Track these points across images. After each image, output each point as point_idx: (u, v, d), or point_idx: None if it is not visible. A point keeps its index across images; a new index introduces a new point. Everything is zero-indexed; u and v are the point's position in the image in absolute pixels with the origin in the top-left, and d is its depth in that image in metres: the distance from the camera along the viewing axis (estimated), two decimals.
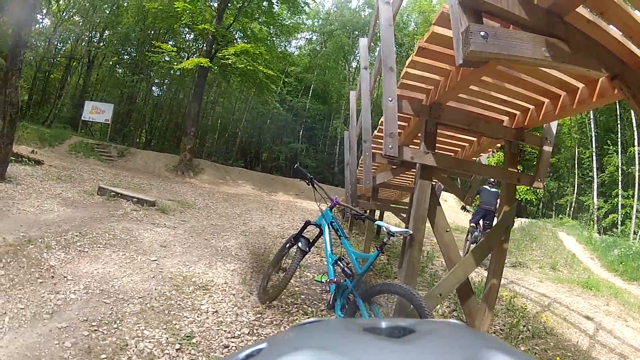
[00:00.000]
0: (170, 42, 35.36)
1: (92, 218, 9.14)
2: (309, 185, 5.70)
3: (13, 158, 12.91)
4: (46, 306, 4.98)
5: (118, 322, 4.85)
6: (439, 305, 6.62)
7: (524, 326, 6.86)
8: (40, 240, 6.80)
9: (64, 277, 5.88)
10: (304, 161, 37.67)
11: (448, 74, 4.46)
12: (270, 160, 42.00)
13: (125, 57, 40.67)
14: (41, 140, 25.26)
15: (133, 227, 8.80)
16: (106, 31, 39.75)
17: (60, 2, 37.15)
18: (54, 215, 8.99)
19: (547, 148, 5.45)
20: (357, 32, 39.32)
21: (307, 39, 45.85)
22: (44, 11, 35.88)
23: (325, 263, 5.31)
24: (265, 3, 27.58)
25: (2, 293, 5.04)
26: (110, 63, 41.08)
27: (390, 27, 5.16)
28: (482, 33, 2.54)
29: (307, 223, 5.75)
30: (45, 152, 21.89)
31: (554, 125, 5.46)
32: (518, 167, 5.50)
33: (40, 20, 36.19)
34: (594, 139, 29.39)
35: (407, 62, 4.87)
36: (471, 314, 5.09)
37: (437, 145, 5.14)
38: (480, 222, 12.46)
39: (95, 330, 4.58)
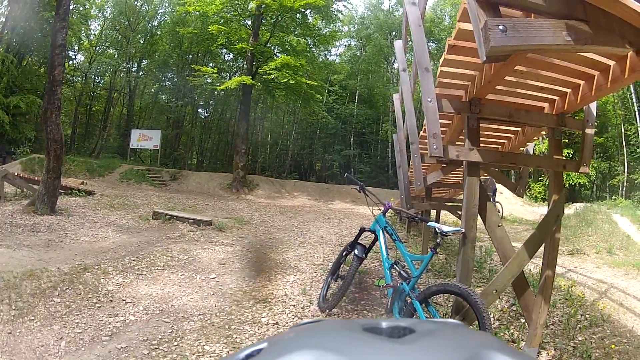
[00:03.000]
0: (210, 64, 35.56)
1: (149, 242, 9.34)
2: (360, 192, 5.75)
3: (62, 191, 13.33)
4: (105, 329, 5.13)
5: (178, 339, 4.96)
6: (497, 301, 6.53)
7: (581, 315, 6.68)
8: (96, 267, 6.97)
9: (123, 300, 6.04)
10: (358, 167, 37.43)
11: (482, 68, 4.40)
12: (324, 169, 41.86)
13: (166, 83, 41.38)
14: (90, 172, 26.04)
15: (191, 248, 8.92)
16: (143, 60, 40.60)
17: (91, 38, 38.15)
18: (109, 242, 9.24)
19: (590, 131, 5.29)
20: (393, 33, 38.78)
21: (345, 45, 45.56)
22: (76, 47, 36.83)
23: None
24: (298, 15, 27.57)
25: (58, 320, 5.21)
26: (152, 90, 41.87)
27: (419, 28, 5.14)
28: (500, 27, 2.51)
29: (362, 230, 5.81)
30: (95, 182, 22.54)
31: (593, 106, 5.30)
32: (568, 152, 5.39)
33: (73, 57, 37.19)
34: (636, 113, 28.13)
35: (441, 61, 4.85)
36: (528, 308, 4.99)
37: (482, 139, 5.10)
38: None
39: (156, 348, 4.69)
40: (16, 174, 14.66)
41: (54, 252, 8.07)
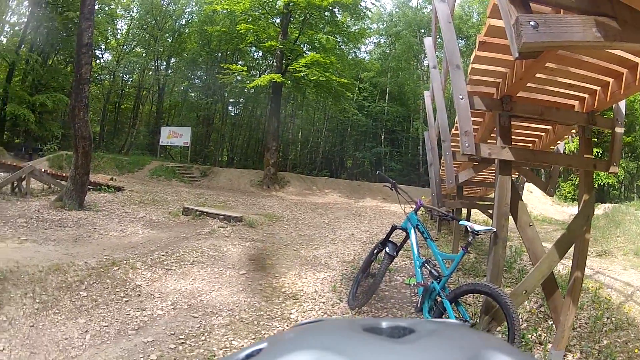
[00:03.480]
0: (240, 62, 35.91)
1: (179, 238, 9.43)
2: (392, 190, 5.73)
3: (91, 187, 13.57)
4: (131, 323, 5.18)
5: (206, 334, 4.99)
6: (526, 302, 6.45)
7: (607, 318, 6.56)
8: (125, 262, 7.06)
9: (151, 294, 6.10)
10: (389, 164, 37.27)
11: (513, 65, 4.35)
12: (355, 167, 41.83)
13: (196, 81, 41.76)
14: (119, 168, 26.49)
15: (221, 244, 8.99)
16: (172, 59, 41.14)
17: (118, 37, 38.75)
18: (138, 237, 9.34)
19: (619, 129, 5.18)
20: (422, 30, 38.50)
21: (375, 43, 45.43)
22: (102, 46, 37.46)
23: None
24: (327, 13, 27.53)
25: (83, 313, 5.28)
26: (182, 88, 42.43)
27: (449, 25, 5.11)
28: (531, 23, 2.48)
29: (394, 227, 5.79)
30: (125, 178, 22.94)
31: (622, 104, 5.18)
32: (597, 151, 5.30)
33: (100, 56, 37.98)
34: None
35: (472, 58, 4.81)
36: (556, 310, 4.92)
37: (514, 137, 5.04)
38: None
39: (183, 342, 4.73)
40: (43, 170, 14.93)
41: (82, 246, 8.17)
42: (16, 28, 31.80)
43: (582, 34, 2.49)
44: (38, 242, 8.04)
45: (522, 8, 2.63)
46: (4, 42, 30.76)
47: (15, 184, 13.10)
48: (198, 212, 12.44)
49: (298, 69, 25.78)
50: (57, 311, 5.30)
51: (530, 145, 7.91)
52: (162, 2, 39.11)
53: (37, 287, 5.67)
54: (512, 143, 4.91)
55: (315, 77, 25.29)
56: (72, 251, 7.64)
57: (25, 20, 31.11)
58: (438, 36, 7.30)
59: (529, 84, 4.60)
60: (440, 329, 0.75)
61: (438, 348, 0.66)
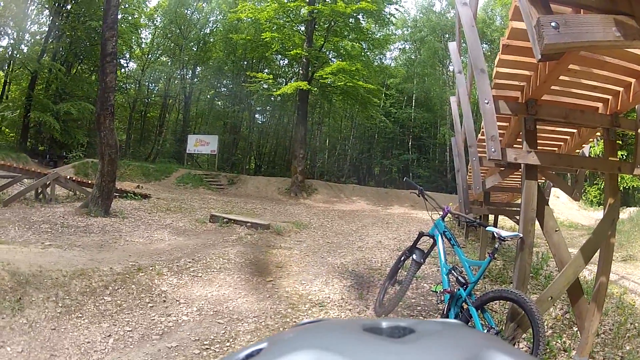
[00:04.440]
0: (266, 70, 36.31)
1: (205, 245, 9.49)
2: (419, 196, 5.74)
3: (117, 194, 13.81)
4: (156, 328, 5.23)
5: (231, 340, 5.01)
6: (552, 309, 6.36)
7: (631, 324, 6.43)
8: (150, 268, 7.14)
9: (176, 300, 6.15)
10: (416, 171, 37.20)
11: (537, 67, 4.31)
12: (382, 174, 41.77)
13: (222, 89, 42.25)
14: (146, 176, 26.76)
15: (248, 251, 9.03)
16: (198, 67, 41.64)
17: (143, 46, 39.40)
18: (164, 244, 9.41)
19: None
20: (447, 35, 38.46)
21: (400, 49, 45.55)
22: (127, 55, 38.06)
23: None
24: (351, 20, 27.58)
25: (107, 317, 5.34)
26: (208, 97, 42.89)
27: (473, 28, 5.08)
28: (552, 24, 2.44)
29: (421, 234, 5.76)
30: (151, 186, 23.13)
31: None
32: (622, 154, 5.21)
33: (125, 65, 38.70)
34: None
35: (496, 62, 4.77)
36: (581, 316, 4.84)
37: (540, 142, 5.00)
38: None
39: (207, 348, 4.75)
40: (68, 177, 15.14)
41: (107, 252, 8.27)
42: (37, 37, 32.46)
43: (603, 33, 2.45)
44: (62, 248, 8.16)
45: (543, 9, 2.59)
46: (25, 50, 31.37)
47: (39, 191, 13.33)
48: (225, 220, 12.52)
49: (324, 76, 25.92)
50: (80, 315, 5.38)
51: (556, 149, 7.83)
52: (186, 11, 39.65)
53: (60, 291, 5.75)
54: (539, 147, 4.86)
55: (341, 83, 25.40)
56: (98, 257, 7.74)
57: (47, 29, 31.78)
58: (462, 40, 7.27)
59: (553, 87, 4.54)
60: (440, 329, 0.76)
61: (438, 348, 0.67)
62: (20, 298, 5.35)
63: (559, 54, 2.88)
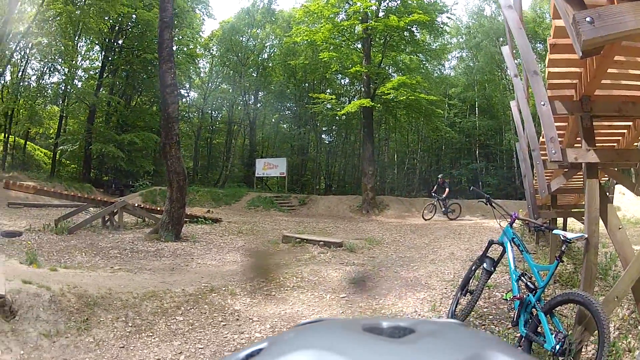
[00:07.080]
0: (328, 91, 36.17)
1: (278, 265, 9.57)
2: (487, 205, 5.74)
3: (187, 219, 14.08)
4: (228, 345, 5.32)
5: None
6: (619, 309, 6.12)
7: None
8: (223, 288, 7.27)
9: (249, 318, 6.23)
10: (485, 179, 36.37)
11: (585, 63, 4.23)
12: (452, 185, 41.24)
13: (286, 112, 42.87)
14: (215, 200, 27.11)
15: (321, 269, 9.06)
16: (260, 92, 42.11)
17: (202, 75, 40.36)
18: (237, 265, 9.54)
19: None
20: (501, 39, 37.64)
21: (457, 57, 44.88)
22: (187, 85, 39.11)
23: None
24: (406, 33, 27.36)
25: (179, 336, 5.46)
26: (273, 120, 43.28)
27: (521, 31, 5.04)
28: (587, 19, 2.44)
29: (491, 242, 5.77)
30: (222, 210, 23.38)
31: None
32: None
33: (186, 95, 39.70)
34: None
35: (546, 62, 4.71)
36: None
37: (599, 139, 4.88)
38: None
39: None
40: (136, 204, 15.66)
41: (179, 275, 8.45)
42: (90, 72, 33.68)
43: (634, 22, 2.42)
44: (132, 272, 8.43)
45: (577, 5, 2.59)
46: (79, 85, 32.66)
47: (106, 218, 13.71)
48: (298, 240, 12.56)
49: (386, 92, 25.83)
50: (150, 334, 5.54)
51: (615, 144, 7.58)
52: (241, 38, 40.24)
53: (130, 312, 5.93)
54: (599, 145, 4.75)
55: (404, 98, 25.30)
56: (169, 279, 7.95)
57: (100, 64, 33.06)
58: (514, 43, 7.20)
59: (604, 81, 4.44)
60: (440, 329, 0.76)
61: (438, 348, 0.68)
62: (87, 318, 5.55)
63: (599, 47, 2.85)
